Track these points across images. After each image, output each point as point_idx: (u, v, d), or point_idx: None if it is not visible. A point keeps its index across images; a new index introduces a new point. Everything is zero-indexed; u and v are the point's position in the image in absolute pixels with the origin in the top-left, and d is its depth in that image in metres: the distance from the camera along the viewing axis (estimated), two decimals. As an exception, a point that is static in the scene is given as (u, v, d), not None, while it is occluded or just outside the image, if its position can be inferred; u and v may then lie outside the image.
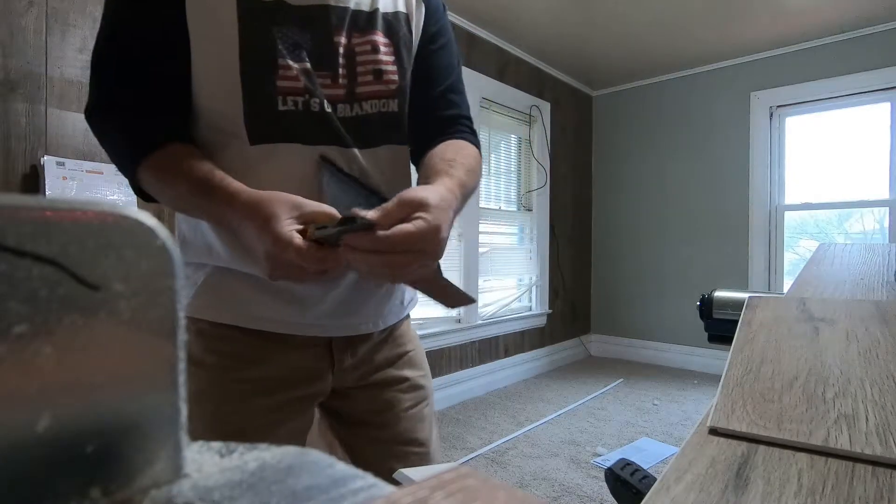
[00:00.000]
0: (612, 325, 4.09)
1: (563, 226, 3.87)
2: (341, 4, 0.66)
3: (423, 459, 0.76)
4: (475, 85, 3.05)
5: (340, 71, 0.65)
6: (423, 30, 0.74)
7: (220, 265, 0.65)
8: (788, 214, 3.36)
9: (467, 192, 0.66)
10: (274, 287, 0.65)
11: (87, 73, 1.70)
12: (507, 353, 3.34)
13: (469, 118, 0.78)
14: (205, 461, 0.18)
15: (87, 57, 1.64)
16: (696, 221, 3.66)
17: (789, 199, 3.37)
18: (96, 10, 1.65)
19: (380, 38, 0.68)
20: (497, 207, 3.36)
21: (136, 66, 0.61)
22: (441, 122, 0.75)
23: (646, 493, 0.29)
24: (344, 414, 0.76)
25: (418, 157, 0.73)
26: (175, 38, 0.60)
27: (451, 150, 0.70)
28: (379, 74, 0.67)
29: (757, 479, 0.30)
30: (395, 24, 0.70)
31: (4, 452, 0.13)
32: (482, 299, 3.18)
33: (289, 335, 0.67)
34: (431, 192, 0.55)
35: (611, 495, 1.17)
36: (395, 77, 0.68)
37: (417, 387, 0.78)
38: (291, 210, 0.52)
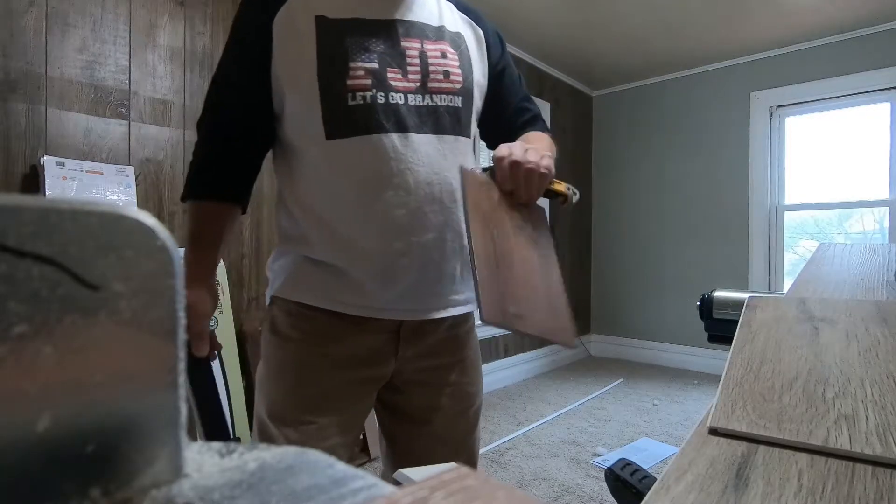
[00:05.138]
0: (612, 325, 4.09)
1: (563, 226, 3.87)
2: (409, 18, 0.79)
3: (454, 456, 0.85)
4: (475, 85, 3.04)
5: (412, 69, 0.76)
6: (489, 58, 0.88)
7: (313, 256, 0.77)
8: (788, 214, 3.36)
9: (547, 149, 0.84)
10: (351, 278, 0.76)
11: (87, 73, 1.70)
12: (507, 353, 3.34)
13: (541, 116, 0.96)
14: (205, 461, 0.18)
15: (87, 57, 1.64)
16: (696, 221, 3.66)
17: (789, 199, 3.37)
18: (96, 11, 1.65)
19: (448, 48, 0.81)
20: (497, 207, 3.36)
21: (230, 92, 0.78)
22: (520, 125, 0.94)
23: (646, 493, 0.29)
24: (396, 408, 0.86)
25: None
26: (260, 65, 0.74)
27: (528, 139, 0.88)
28: (447, 74, 0.79)
29: (757, 479, 0.30)
30: (457, 40, 0.83)
31: (4, 452, 0.13)
32: (482, 299, 3.17)
33: (364, 319, 0.77)
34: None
35: (611, 495, 1.17)
36: (460, 79, 0.81)
37: (466, 393, 0.87)
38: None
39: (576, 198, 0.80)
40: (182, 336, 0.17)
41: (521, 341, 3.47)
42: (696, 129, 3.66)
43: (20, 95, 1.51)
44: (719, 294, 0.93)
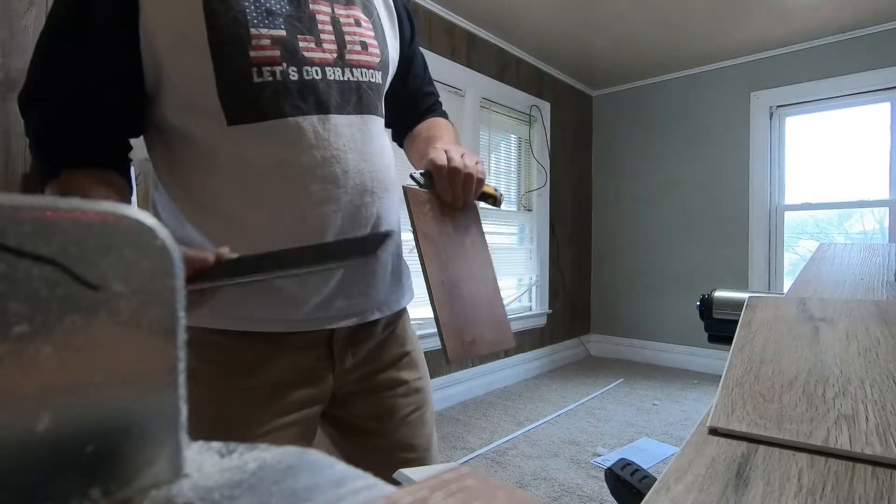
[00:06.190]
0: (612, 325, 4.09)
1: (563, 226, 3.87)
2: None
3: (423, 465, 0.75)
4: (475, 85, 3.04)
5: (326, 37, 0.64)
6: (401, 34, 0.78)
7: None
8: (788, 214, 3.36)
9: (454, 140, 0.80)
10: (270, 288, 0.64)
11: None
12: (506, 353, 3.34)
13: (439, 99, 0.91)
14: (205, 461, 0.18)
15: (87, 57, 1.64)
16: (696, 221, 3.66)
17: (789, 199, 3.37)
18: (96, 10, 1.65)
19: (360, 15, 0.69)
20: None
21: (77, 60, 0.58)
22: (425, 111, 0.87)
23: (646, 493, 0.29)
24: (343, 423, 0.74)
25: (403, 136, 0.87)
26: (123, 23, 0.56)
27: (430, 128, 0.83)
28: (365, 46, 0.68)
29: (757, 479, 0.30)
30: (368, 7, 0.72)
31: (4, 452, 0.13)
32: (482, 299, 3.17)
33: (286, 335, 0.65)
34: (434, 148, 0.70)
35: (611, 495, 1.17)
36: (378, 51, 0.70)
37: (417, 390, 0.77)
38: None
39: (503, 199, 0.76)
40: (182, 336, 0.17)
41: (521, 341, 3.47)
42: (696, 129, 3.66)
43: (20, 95, 1.51)
44: (719, 294, 0.93)
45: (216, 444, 0.20)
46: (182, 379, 0.17)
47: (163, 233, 0.16)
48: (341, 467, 0.18)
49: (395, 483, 0.36)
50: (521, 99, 3.44)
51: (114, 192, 0.58)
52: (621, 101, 4.05)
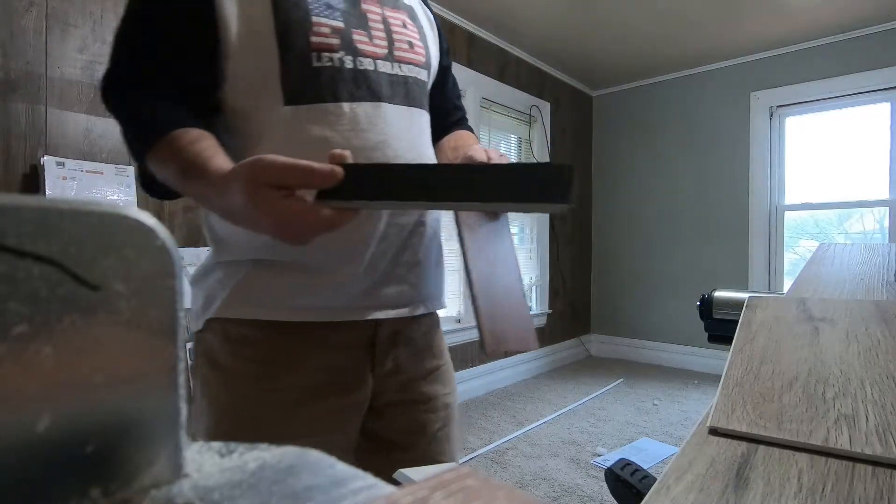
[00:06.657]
0: (612, 325, 4.09)
1: (563, 226, 3.87)
2: None
3: None
4: (475, 85, 3.04)
5: (377, 34, 0.68)
6: (441, 45, 0.82)
7: (267, 257, 0.63)
8: (788, 214, 3.36)
9: None
10: (318, 274, 0.63)
11: (87, 73, 1.70)
12: (506, 353, 3.34)
13: (466, 115, 0.93)
14: (205, 461, 0.18)
15: (87, 57, 1.63)
16: (696, 221, 3.66)
17: (789, 199, 3.37)
18: (96, 10, 1.65)
19: (406, 19, 0.73)
20: (497, 207, 3.36)
21: (158, 41, 0.61)
22: (452, 123, 0.89)
23: (646, 493, 0.29)
24: (374, 433, 0.73)
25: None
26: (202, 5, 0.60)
27: (458, 138, 0.85)
28: (411, 45, 0.72)
29: (757, 479, 0.30)
30: (413, 13, 0.76)
31: (4, 453, 0.13)
32: (482, 299, 3.17)
33: (330, 327, 0.64)
34: (473, 148, 0.70)
35: (611, 495, 1.17)
36: (423, 52, 0.74)
37: (445, 406, 0.77)
38: (258, 175, 0.48)
39: None
40: (182, 336, 0.17)
41: (521, 341, 3.46)
42: (696, 129, 3.66)
43: (20, 95, 1.51)
44: (719, 294, 0.93)
45: (216, 444, 0.20)
46: (182, 379, 0.17)
47: (163, 233, 0.16)
48: (341, 467, 0.18)
49: (396, 483, 0.36)
50: (521, 99, 3.44)
51: (215, 142, 0.58)
52: (621, 101, 4.05)
